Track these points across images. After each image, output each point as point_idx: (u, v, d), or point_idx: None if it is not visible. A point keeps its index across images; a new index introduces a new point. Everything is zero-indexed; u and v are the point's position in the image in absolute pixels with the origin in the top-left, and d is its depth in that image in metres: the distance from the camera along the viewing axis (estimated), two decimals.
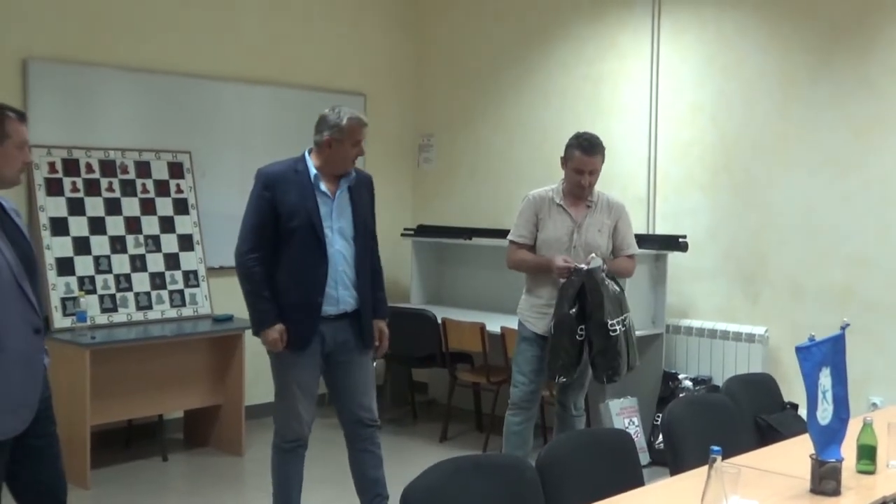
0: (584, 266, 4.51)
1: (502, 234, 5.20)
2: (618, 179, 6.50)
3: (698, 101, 6.15)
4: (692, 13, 6.16)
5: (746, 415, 3.88)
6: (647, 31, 6.35)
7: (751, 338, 5.81)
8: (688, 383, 5.91)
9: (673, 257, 6.08)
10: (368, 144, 7.29)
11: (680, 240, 5.98)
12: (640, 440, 5.72)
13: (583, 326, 4.55)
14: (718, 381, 5.75)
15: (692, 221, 6.15)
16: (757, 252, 5.90)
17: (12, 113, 3.09)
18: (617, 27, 6.54)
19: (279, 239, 4.08)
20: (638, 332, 5.92)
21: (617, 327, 4.54)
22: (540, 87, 7.01)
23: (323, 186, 4.11)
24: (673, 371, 6.04)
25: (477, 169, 7.42)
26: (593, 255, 4.56)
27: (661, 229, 6.30)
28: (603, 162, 4.71)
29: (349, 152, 4.11)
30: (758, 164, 5.88)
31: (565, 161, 4.70)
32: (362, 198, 4.28)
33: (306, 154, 4.17)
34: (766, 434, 3.85)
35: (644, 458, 5.62)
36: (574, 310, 4.52)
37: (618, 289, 4.61)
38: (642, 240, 6.06)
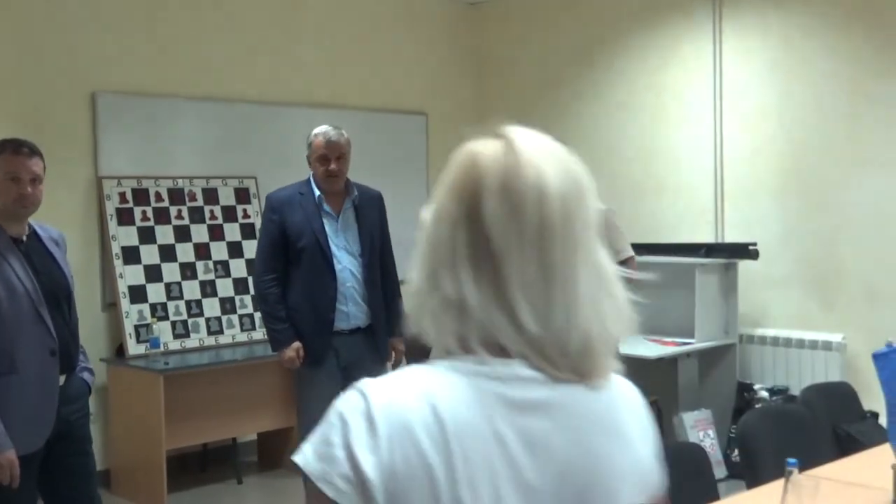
0: None
1: None
2: (684, 189, 6.43)
3: (764, 106, 6.04)
4: (754, 17, 6.07)
5: (825, 425, 3.79)
6: (708, 37, 6.27)
7: (827, 346, 5.66)
8: (764, 394, 5.78)
9: (744, 265, 5.96)
10: (431, 161, 7.45)
11: (750, 248, 5.87)
12: (715, 453, 5.60)
13: None
14: (796, 390, 5.61)
15: (762, 228, 6.03)
16: (831, 257, 5.76)
17: (11, 146, 3.25)
18: (677, 35, 6.46)
19: (290, 260, 4.27)
20: (710, 343, 5.88)
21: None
22: (602, 100, 6.96)
23: (326, 206, 4.29)
24: (748, 382, 5.91)
25: None
26: None
27: (731, 237, 6.19)
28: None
29: (317, 168, 4.29)
30: (829, 168, 5.75)
31: None
32: (370, 215, 4.42)
33: (311, 177, 4.36)
34: (846, 444, 3.75)
35: (720, 471, 5.50)
36: None
37: None
38: (711, 249, 5.98)
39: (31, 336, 3.21)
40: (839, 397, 4.06)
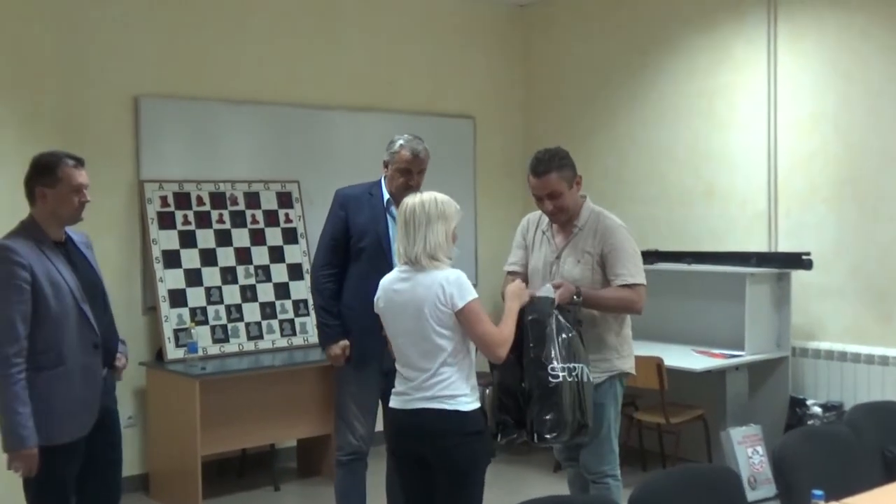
0: (535, 294, 3.70)
1: None
2: (737, 195, 6.24)
3: (820, 110, 5.81)
4: (810, 19, 5.85)
5: (872, 447, 3.58)
6: (762, 39, 6.06)
7: (884, 360, 5.43)
8: (817, 409, 5.56)
9: (797, 276, 5.75)
10: (479, 165, 7.34)
11: (803, 257, 5.66)
12: (764, 471, 5.39)
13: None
14: (850, 406, 5.39)
15: (817, 237, 5.81)
16: (889, 268, 5.51)
17: (70, 160, 3.49)
18: (730, 38, 6.26)
19: (350, 258, 4.30)
20: (760, 356, 5.68)
21: (560, 373, 3.53)
22: (652, 104, 6.78)
23: (394, 210, 4.21)
24: (801, 397, 5.70)
25: (589, 189, 7.05)
26: (548, 284, 3.76)
27: (784, 246, 5.97)
28: (567, 178, 3.89)
29: (396, 178, 4.27)
30: (887, 174, 5.51)
31: None
32: None
33: (382, 179, 4.37)
34: (895, 468, 3.54)
35: (769, 489, 5.30)
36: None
37: (572, 333, 3.62)
38: (763, 258, 5.78)
39: (75, 331, 3.43)
40: (889, 417, 3.84)
